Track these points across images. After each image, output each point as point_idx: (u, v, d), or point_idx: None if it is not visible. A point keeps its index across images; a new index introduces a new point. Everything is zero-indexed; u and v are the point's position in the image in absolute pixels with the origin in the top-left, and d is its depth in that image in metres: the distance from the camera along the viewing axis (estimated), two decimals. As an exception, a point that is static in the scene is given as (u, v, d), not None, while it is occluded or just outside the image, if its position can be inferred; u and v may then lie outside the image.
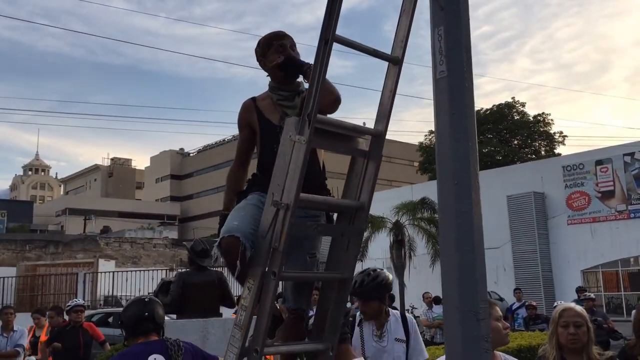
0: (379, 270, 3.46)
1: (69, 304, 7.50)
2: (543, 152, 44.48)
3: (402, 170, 55.96)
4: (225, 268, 2.82)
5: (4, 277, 20.43)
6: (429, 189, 27.44)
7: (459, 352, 1.94)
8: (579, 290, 13.32)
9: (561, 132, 45.65)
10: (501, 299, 26.02)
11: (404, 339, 3.37)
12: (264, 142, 2.88)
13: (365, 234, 29.55)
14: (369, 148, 2.61)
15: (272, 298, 2.43)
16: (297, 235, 2.70)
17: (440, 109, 1.99)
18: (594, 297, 11.41)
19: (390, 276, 3.47)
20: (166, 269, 21.76)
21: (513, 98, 50.85)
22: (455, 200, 1.95)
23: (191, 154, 74.43)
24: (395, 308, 4.01)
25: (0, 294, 20.13)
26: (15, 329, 7.54)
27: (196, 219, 65.35)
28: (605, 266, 27.73)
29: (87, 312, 7.93)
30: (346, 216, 2.65)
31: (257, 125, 2.90)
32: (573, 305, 3.33)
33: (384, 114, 2.57)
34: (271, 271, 2.41)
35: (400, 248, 28.45)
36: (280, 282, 2.56)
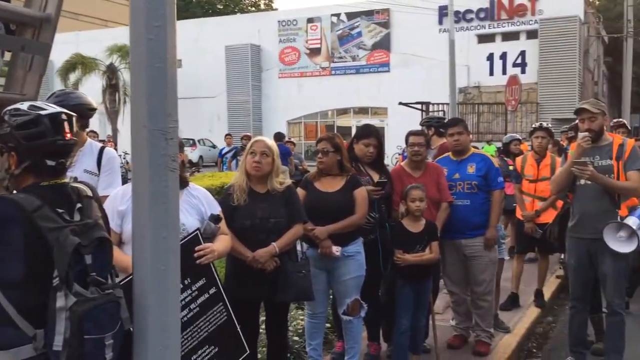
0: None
1: None
2: (262, 6, 45.32)
3: (119, 11, 51.75)
4: None
5: None
6: (146, 32, 26.11)
7: (145, 172, 1.92)
8: (277, 136, 14.38)
9: (278, -16, 46.66)
10: (214, 146, 27.08)
11: (96, 172, 3.21)
12: None
13: (75, 76, 27.38)
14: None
15: None
16: None
17: None
18: (294, 142, 12.58)
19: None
20: None
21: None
22: (147, 12, 1.83)
23: None
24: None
25: None
26: None
27: None
28: (307, 117, 30.59)
29: None
30: (29, 28, 2.34)
31: None
32: (266, 138, 3.61)
33: None
34: None
35: (114, 93, 27.13)
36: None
